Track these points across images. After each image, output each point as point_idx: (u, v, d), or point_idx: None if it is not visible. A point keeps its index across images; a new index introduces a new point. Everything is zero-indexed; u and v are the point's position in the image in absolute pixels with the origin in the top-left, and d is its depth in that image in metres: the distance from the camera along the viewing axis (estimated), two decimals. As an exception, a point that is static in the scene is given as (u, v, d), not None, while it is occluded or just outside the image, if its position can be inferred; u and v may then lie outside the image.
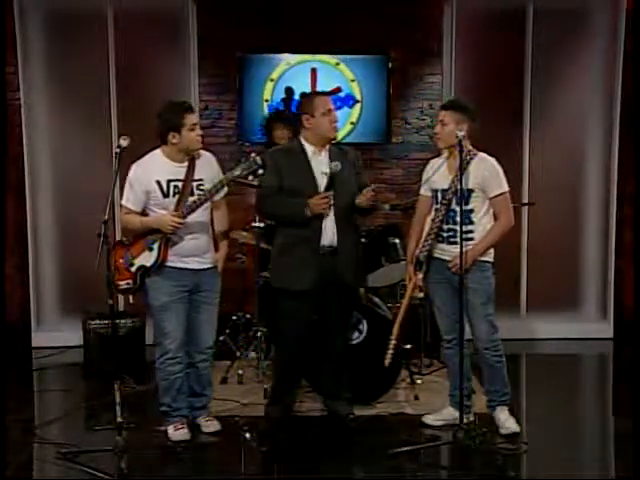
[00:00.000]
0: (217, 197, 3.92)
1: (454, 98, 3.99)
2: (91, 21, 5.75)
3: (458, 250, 3.77)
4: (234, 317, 5.17)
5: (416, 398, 4.49)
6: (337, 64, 5.94)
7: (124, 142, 3.67)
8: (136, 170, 3.83)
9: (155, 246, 3.79)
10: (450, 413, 4.04)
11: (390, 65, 5.93)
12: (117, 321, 4.83)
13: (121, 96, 5.81)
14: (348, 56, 5.92)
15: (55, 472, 3.65)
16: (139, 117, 5.64)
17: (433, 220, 3.92)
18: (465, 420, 3.82)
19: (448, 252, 3.90)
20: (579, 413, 4.52)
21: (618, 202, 6.06)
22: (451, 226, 3.89)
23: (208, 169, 3.90)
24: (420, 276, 3.95)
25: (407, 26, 5.97)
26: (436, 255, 3.95)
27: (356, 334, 4.36)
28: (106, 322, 4.93)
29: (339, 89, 5.91)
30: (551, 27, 5.87)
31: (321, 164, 3.92)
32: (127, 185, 3.83)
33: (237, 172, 3.71)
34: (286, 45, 5.91)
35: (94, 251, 3.54)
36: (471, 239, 3.84)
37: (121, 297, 5.62)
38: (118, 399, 3.68)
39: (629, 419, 4.19)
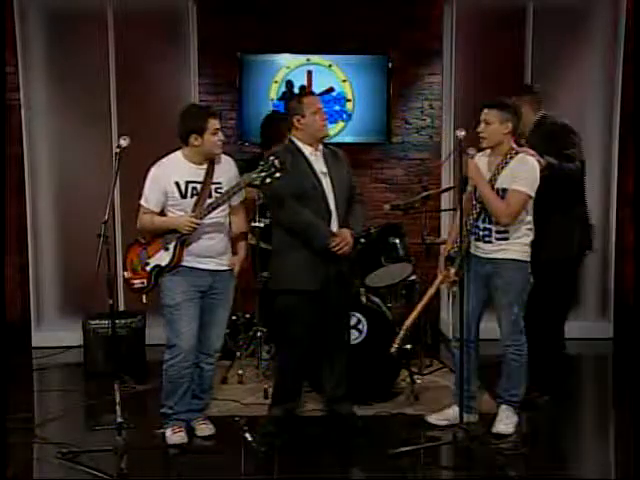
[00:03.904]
0: (235, 200, 3.92)
1: (496, 98, 3.96)
2: (91, 21, 5.74)
3: (492, 248, 3.82)
4: (234, 317, 5.16)
5: (416, 398, 4.48)
6: (330, 65, 5.97)
7: (124, 142, 3.68)
8: (156, 171, 3.83)
9: (171, 246, 3.78)
10: (454, 413, 4.01)
11: (390, 65, 5.95)
12: (117, 321, 4.82)
13: (121, 96, 5.80)
14: (342, 56, 5.95)
15: (55, 472, 3.65)
16: (139, 117, 5.66)
17: (469, 217, 3.92)
18: (467, 420, 3.81)
19: (482, 250, 3.91)
20: (579, 413, 4.52)
21: (618, 202, 6.05)
22: (487, 225, 3.88)
23: (227, 173, 3.89)
24: (452, 271, 3.93)
25: (407, 26, 5.98)
26: (472, 251, 3.95)
27: (356, 334, 4.36)
28: (106, 322, 4.93)
29: (332, 89, 5.98)
30: (551, 26, 5.86)
31: (319, 164, 3.92)
32: (147, 185, 3.83)
33: (255, 175, 3.67)
34: (286, 45, 5.93)
35: (94, 251, 3.55)
36: (505, 239, 3.83)
37: (121, 297, 5.68)
38: (118, 399, 3.69)
39: (629, 419, 4.19)
